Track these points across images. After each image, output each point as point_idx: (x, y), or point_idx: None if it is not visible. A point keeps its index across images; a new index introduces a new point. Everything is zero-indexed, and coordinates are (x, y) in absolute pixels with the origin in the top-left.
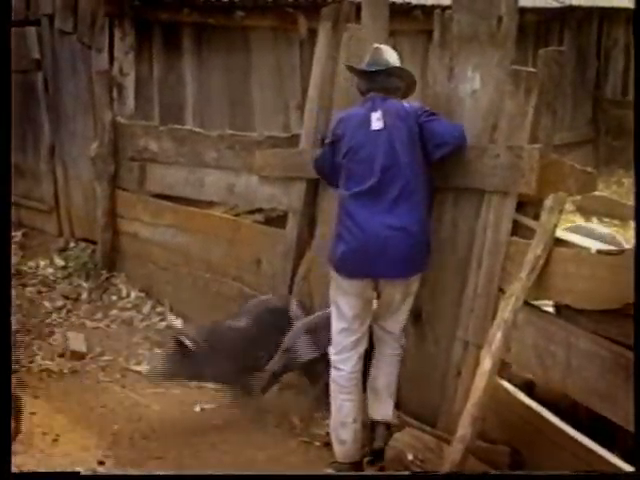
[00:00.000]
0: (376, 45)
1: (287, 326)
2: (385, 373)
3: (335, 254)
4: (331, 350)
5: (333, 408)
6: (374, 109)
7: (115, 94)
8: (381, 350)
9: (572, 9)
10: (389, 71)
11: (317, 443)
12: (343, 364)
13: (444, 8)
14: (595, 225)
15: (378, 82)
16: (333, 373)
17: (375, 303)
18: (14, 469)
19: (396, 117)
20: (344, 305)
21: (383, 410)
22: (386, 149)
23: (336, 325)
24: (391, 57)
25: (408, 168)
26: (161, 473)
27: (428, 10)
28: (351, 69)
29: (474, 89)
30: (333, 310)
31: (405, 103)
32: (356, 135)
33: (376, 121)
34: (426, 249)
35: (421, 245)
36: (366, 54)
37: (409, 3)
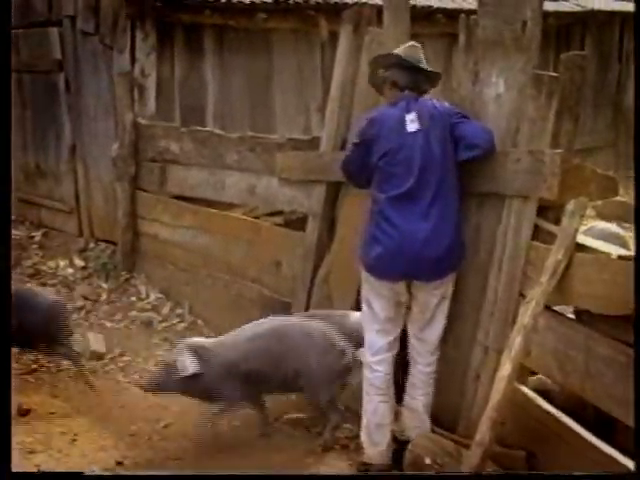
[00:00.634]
0: (411, 43)
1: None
2: (423, 393)
3: (369, 256)
4: (365, 352)
5: (367, 410)
6: (408, 110)
7: (136, 95)
8: (417, 366)
9: (593, 13)
10: (429, 74)
11: (336, 446)
12: (379, 365)
13: (467, 12)
14: (607, 224)
15: (418, 81)
16: (368, 375)
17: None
18: (33, 468)
19: (430, 118)
20: (377, 307)
21: (420, 430)
22: (423, 151)
23: (369, 326)
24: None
25: (443, 169)
26: (161, 473)
27: (449, 13)
28: (391, 57)
29: (498, 93)
30: (365, 311)
31: (436, 102)
32: (392, 137)
33: (411, 123)
34: (460, 249)
35: (455, 245)
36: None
37: (430, 6)
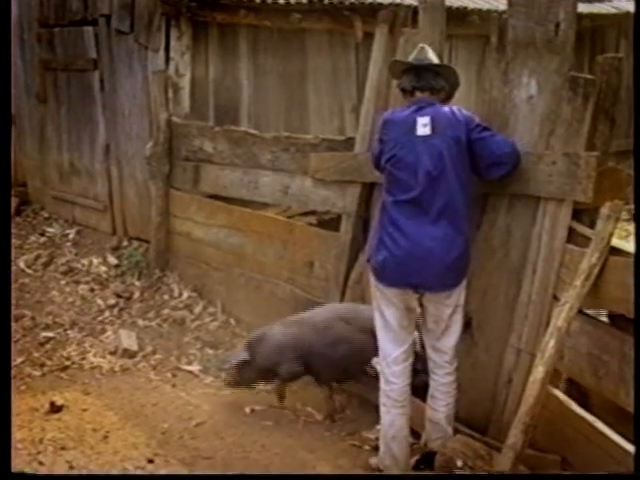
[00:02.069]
0: (421, 45)
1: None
2: (444, 404)
3: (375, 259)
4: (380, 362)
5: (385, 422)
6: (421, 113)
7: (171, 94)
8: (436, 378)
9: (629, 15)
10: (436, 70)
11: (367, 447)
12: (395, 377)
13: (501, 13)
14: None
15: (425, 80)
16: (384, 387)
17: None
18: (65, 464)
19: (446, 124)
20: (389, 315)
21: (443, 441)
22: (433, 157)
23: (383, 335)
24: (435, 58)
25: (455, 179)
26: (161, 473)
27: (484, 15)
28: (395, 65)
29: (530, 95)
30: (378, 319)
31: (455, 109)
32: (400, 140)
33: (422, 127)
34: (467, 261)
35: (463, 258)
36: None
37: (465, 8)
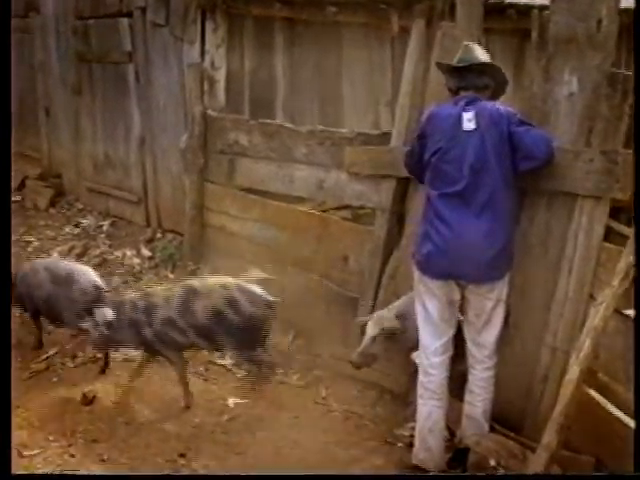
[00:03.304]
0: (466, 43)
1: None
2: (482, 400)
3: (420, 252)
4: (420, 355)
5: (421, 414)
6: (466, 109)
7: (206, 87)
8: (475, 372)
9: None
10: (480, 69)
11: (400, 444)
12: (434, 369)
13: (540, 8)
14: None
15: (469, 80)
16: (423, 379)
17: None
18: (96, 457)
19: (489, 119)
20: (431, 307)
21: (477, 439)
22: (477, 151)
23: (424, 327)
24: (482, 55)
25: (498, 172)
26: (161, 473)
27: (521, 9)
28: (441, 66)
29: (571, 92)
30: (420, 312)
31: (499, 105)
32: (446, 134)
33: (467, 122)
34: (510, 255)
35: (506, 251)
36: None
37: (502, 2)
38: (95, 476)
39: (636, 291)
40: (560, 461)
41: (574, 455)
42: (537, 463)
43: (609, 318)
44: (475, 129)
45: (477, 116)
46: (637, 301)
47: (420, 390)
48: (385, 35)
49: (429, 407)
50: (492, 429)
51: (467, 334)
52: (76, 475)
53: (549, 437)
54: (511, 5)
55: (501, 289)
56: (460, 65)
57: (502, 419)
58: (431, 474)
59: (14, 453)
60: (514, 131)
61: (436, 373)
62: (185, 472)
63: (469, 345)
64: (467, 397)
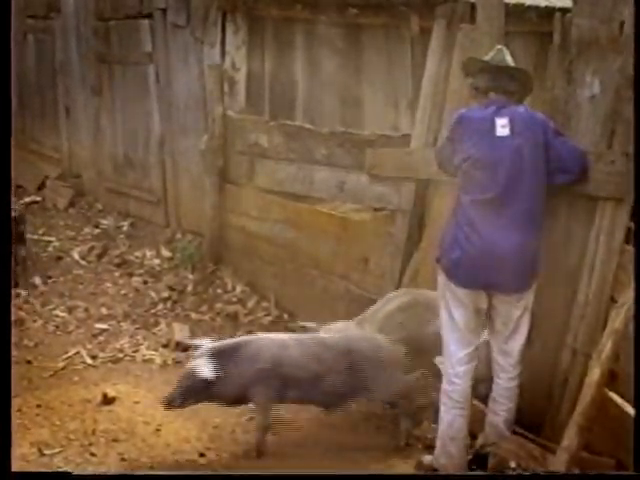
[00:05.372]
0: (499, 46)
1: None
2: (506, 409)
3: (448, 257)
4: (444, 362)
5: (444, 422)
6: (499, 114)
7: (226, 88)
8: (499, 382)
9: None
10: (512, 73)
11: (420, 446)
12: (458, 378)
13: (561, 10)
14: None
15: (500, 81)
16: (447, 387)
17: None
18: (117, 456)
19: (525, 126)
20: (458, 316)
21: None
22: (512, 158)
23: (449, 336)
24: (512, 61)
25: (534, 181)
26: (161, 473)
27: (542, 12)
28: (473, 63)
29: (593, 94)
30: (445, 319)
31: (531, 111)
32: (479, 140)
33: (501, 127)
34: (540, 263)
35: (537, 259)
36: (483, 55)
37: (522, 4)
38: (95, 476)
39: (636, 291)
40: (580, 463)
41: (595, 458)
42: (557, 465)
43: (630, 320)
44: (509, 135)
45: (511, 122)
46: (637, 301)
47: (443, 398)
48: (405, 36)
49: (452, 416)
50: (512, 431)
51: (493, 343)
52: (76, 475)
53: (569, 439)
54: (531, 7)
55: (529, 297)
56: (496, 64)
57: (522, 421)
58: (441, 473)
59: (35, 452)
60: (551, 142)
61: (460, 382)
62: (206, 472)
63: (495, 354)
64: (490, 405)
